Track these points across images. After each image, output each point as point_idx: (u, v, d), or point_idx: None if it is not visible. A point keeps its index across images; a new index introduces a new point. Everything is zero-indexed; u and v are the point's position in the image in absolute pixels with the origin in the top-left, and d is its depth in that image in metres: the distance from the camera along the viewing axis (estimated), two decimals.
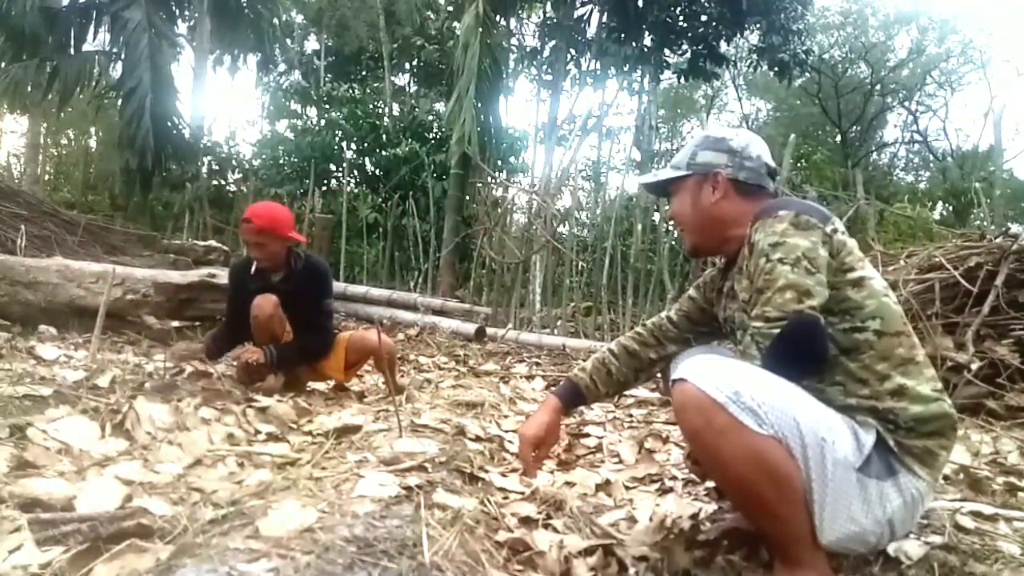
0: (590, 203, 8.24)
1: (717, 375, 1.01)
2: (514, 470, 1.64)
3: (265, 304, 2.45)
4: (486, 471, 1.52)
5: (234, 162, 10.23)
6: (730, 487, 1.09)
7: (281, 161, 9.78)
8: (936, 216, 10.09)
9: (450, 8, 12.12)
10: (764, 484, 0.99)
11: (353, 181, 9.42)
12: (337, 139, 9.87)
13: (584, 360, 4.42)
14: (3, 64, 7.76)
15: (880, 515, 1.03)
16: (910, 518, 1.09)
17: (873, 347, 1.09)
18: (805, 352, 1.06)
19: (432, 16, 12.65)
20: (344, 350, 2.63)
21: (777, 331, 1.04)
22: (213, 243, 5.57)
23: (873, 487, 1.03)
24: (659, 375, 1.49)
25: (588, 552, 1.21)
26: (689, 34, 9.14)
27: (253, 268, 2.58)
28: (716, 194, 1.26)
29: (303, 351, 2.58)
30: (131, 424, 1.59)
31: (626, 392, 1.74)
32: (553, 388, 1.51)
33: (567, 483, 1.63)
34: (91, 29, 8.18)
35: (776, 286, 1.05)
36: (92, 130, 12.87)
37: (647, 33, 9.13)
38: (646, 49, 9.22)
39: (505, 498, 1.41)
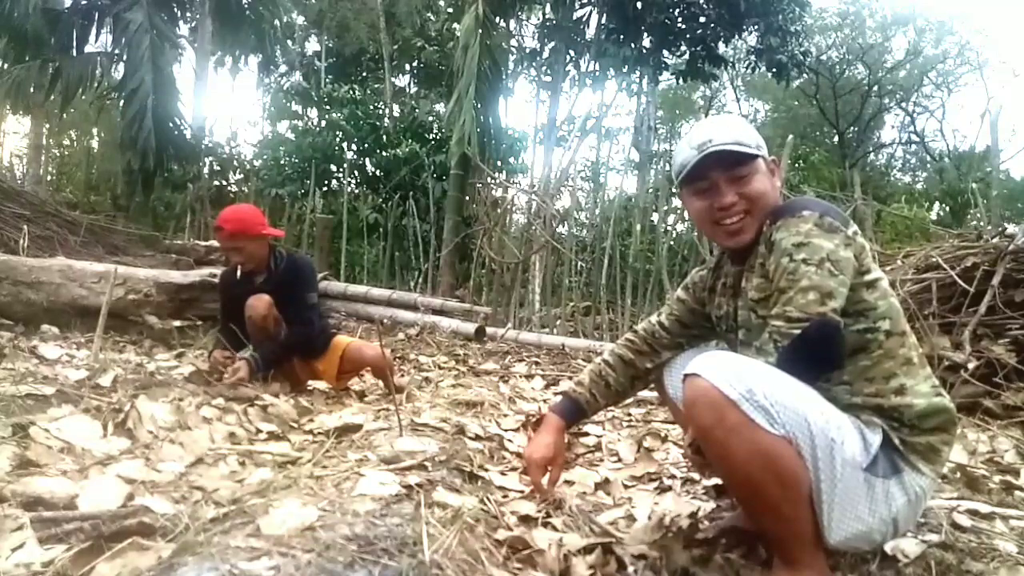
0: (589, 203, 8.27)
1: (730, 372, 1.00)
2: (513, 469, 1.65)
3: (259, 304, 2.46)
4: (486, 470, 1.52)
5: (235, 163, 10.23)
6: (736, 484, 1.09)
7: (282, 162, 9.77)
8: (933, 216, 10.10)
9: (450, 10, 12.12)
10: (771, 483, 1.00)
11: (354, 182, 9.41)
12: (338, 140, 9.86)
13: (583, 360, 4.37)
14: (6, 65, 7.78)
15: (886, 514, 1.04)
16: (913, 516, 1.10)
17: (881, 346, 1.09)
18: (823, 356, 1.06)
19: (432, 17, 12.66)
20: (340, 359, 2.63)
21: (798, 331, 1.04)
22: (214, 243, 5.57)
23: (879, 486, 1.04)
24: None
25: (587, 550, 1.22)
26: (687, 35, 9.14)
27: (239, 273, 2.61)
28: (776, 182, 1.22)
29: (288, 346, 2.57)
30: (133, 423, 1.60)
31: (624, 401, 1.74)
32: (552, 405, 1.51)
33: (566, 482, 1.63)
34: (93, 30, 8.19)
35: (799, 286, 1.05)
36: (94, 131, 12.85)
37: (646, 34, 9.13)
38: (645, 50, 9.22)
39: (505, 496, 1.42)
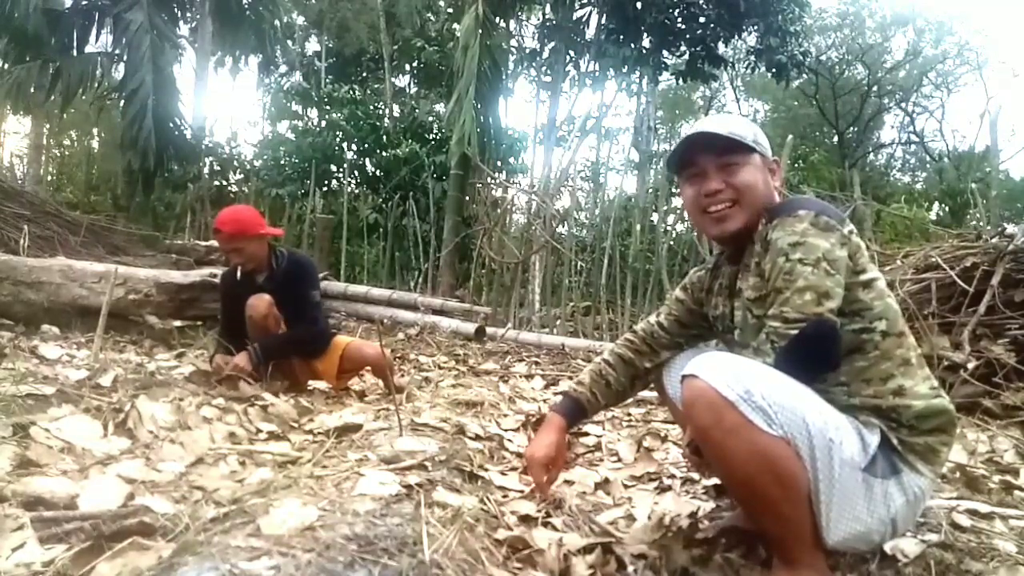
0: (589, 203, 8.27)
1: (728, 373, 1.01)
2: (513, 469, 1.65)
3: (259, 303, 2.47)
4: (486, 469, 1.52)
5: (235, 163, 10.23)
6: (736, 485, 1.09)
7: (282, 162, 9.76)
8: (932, 216, 10.11)
9: (450, 10, 12.13)
10: (770, 483, 1.00)
11: (354, 182, 9.41)
12: (338, 140, 9.86)
13: (583, 360, 4.36)
14: (6, 65, 7.79)
15: (884, 514, 1.04)
16: (912, 516, 1.10)
17: (878, 347, 1.09)
18: (820, 357, 1.06)
19: (432, 18, 12.66)
20: (340, 358, 2.64)
21: (795, 332, 1.04)
22: (215, 243, 5.57)
23: (878, 487, 1.04)
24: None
25: (587, 550, 1.22)
26: (687, 36, 9.14)
27: (239, 274, 2.61)
28: (775, 182, 1.23)
29: (292, 342, 2.58)
30: (133, 423, 1.60)
31: (624, 402, 1.75)
32: (553, 405, 1.51)
33: (566, 481, 1.63)
34: (93, 31, 8.20)
35: (795, 286, 1.05)
36: (94, 131, 12.87)
37: (645, 35, 9.13)
38: (644, 51, 9.22)
39: (505, 496, 1.42)
